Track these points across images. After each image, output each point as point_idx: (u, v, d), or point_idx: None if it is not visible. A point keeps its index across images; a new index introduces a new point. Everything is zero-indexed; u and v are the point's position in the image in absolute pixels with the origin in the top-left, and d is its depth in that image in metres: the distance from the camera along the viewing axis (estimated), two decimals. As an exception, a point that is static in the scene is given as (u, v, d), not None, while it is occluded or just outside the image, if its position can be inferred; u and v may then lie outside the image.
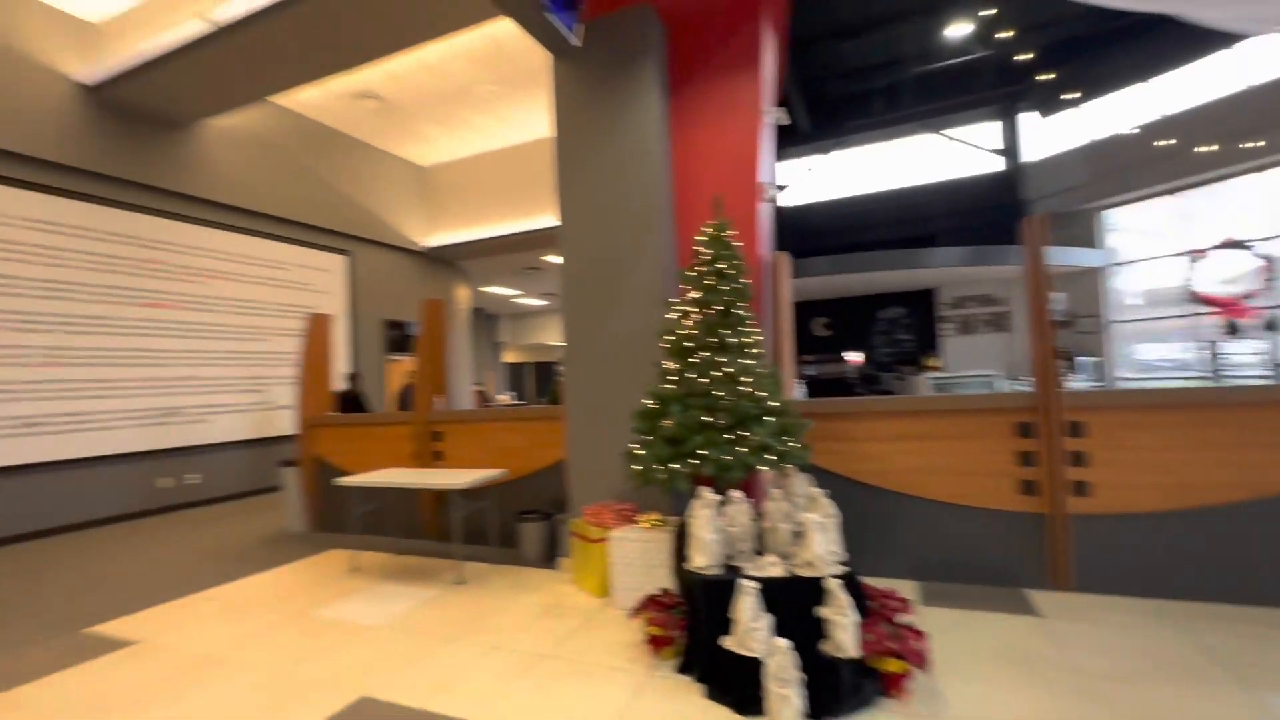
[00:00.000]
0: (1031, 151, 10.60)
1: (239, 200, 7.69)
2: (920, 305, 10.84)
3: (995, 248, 8.71)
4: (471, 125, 9.15)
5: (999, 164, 10.99)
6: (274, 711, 2.46)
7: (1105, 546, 3.26)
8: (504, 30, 6.57)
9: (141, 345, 6.78)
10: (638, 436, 3.28)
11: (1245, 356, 7.80)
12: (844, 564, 2.61)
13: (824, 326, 11.54)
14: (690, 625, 2.68)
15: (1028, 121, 10.70)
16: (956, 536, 3.54)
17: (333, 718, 2.39)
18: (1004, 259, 8.62)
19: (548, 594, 3.65)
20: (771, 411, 3.14)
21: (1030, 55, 9.43)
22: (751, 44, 4.03)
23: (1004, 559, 3.44)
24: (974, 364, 9.72)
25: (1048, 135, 10.36)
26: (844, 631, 2.31)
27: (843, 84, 10.75)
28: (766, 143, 4.22)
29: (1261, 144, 7.34)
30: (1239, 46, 7.68)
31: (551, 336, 18.96)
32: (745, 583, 2.42)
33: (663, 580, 3.19)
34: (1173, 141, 8.27)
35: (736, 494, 2.89)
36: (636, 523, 3.53)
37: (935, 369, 9.87)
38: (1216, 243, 8.00)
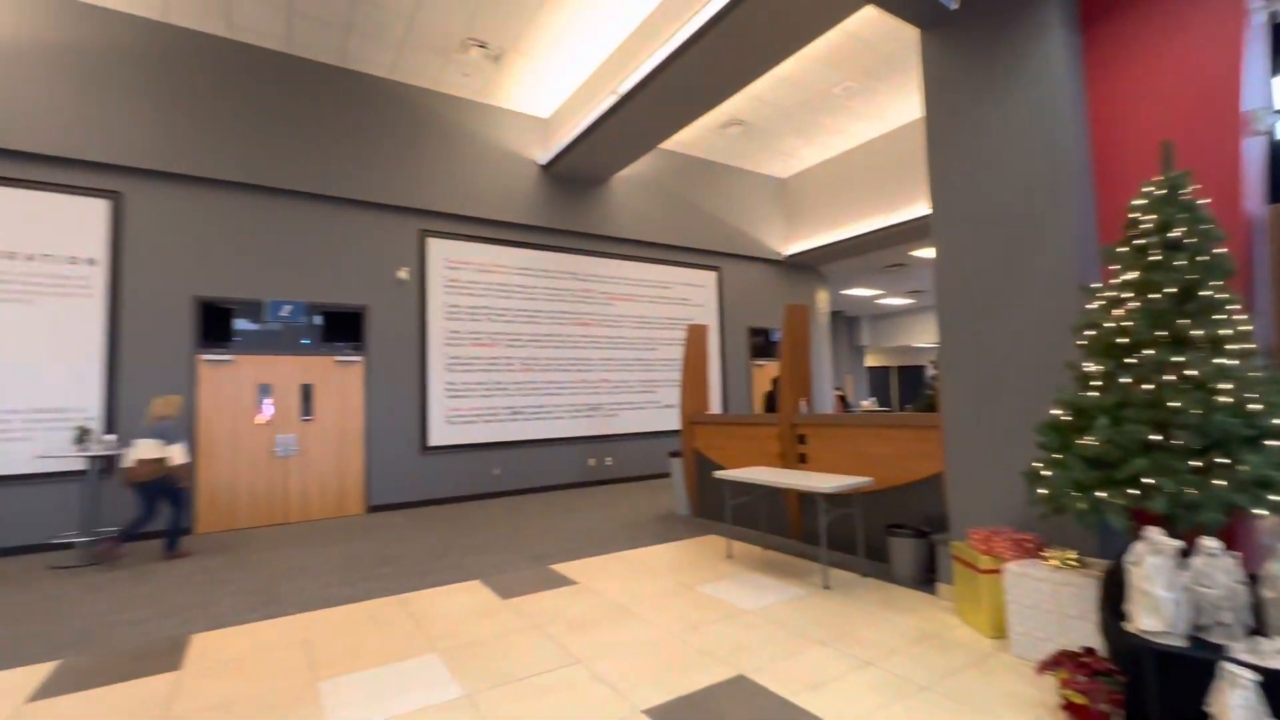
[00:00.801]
0: None
1: (634, 233, 9.34)
2: None
3: None
4: (829, 128, 9.09)
5: None
6: (673, 668, 2.86)
7: None
8: (859, 20, 6.33)
9: (576, 355, 8.85)
10: (1045, 454, 2.71)
11: None
12: None
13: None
14: (1131, 703, 2.07)
15: None
16: None
17: (714, 686, 2.65)
18: None
19: (924, 619, 3.32)
20: (1276, 432, 2.19)
21: None
22: (1222, -77, 2.92)
23: None
24: None
25: None
26: None
27: None
28: (1254, 53, 2.99)
29: None
30: None
31: (917, 337, 17.32)
32: (1235, 669, 1.74)
33: (1085, 636, 2.55)
34: None
35: (1211, 543, 2.12)
36: (1043, 558, 2.91)
37: None
38: None
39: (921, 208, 8.57)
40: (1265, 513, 2.15)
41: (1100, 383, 2.56)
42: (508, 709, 2.51)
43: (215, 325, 6.45)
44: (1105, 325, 2.57)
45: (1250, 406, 2.22)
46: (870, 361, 19.38)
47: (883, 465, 4.40)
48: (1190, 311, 2.39)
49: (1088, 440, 2.49)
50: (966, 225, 3.65)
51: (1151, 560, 2.09)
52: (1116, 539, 2.82)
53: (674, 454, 6.62)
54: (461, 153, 7.88)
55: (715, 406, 10.06)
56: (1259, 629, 2.06)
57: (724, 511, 5.85)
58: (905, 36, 6.69)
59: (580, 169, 8.49)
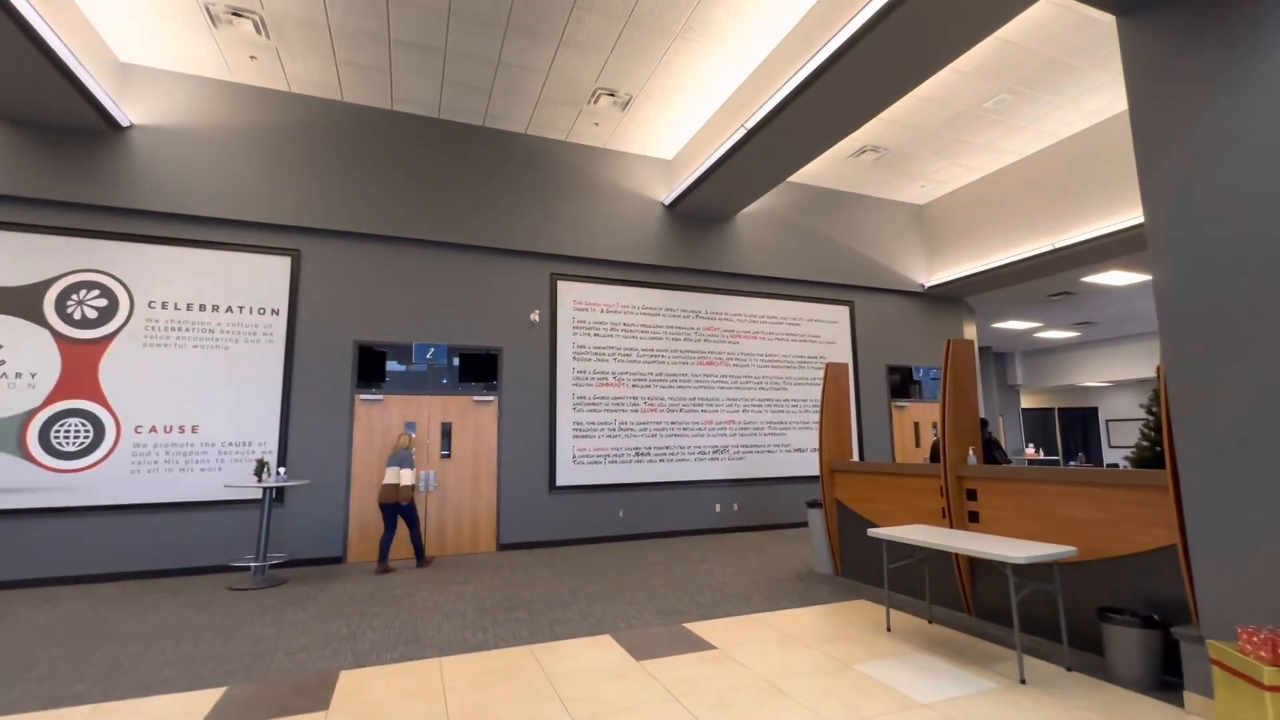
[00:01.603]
0: None
1: (760, 269, 9.01)
2: None
3: None
4: (976, 146, 8.29)
5: None
6: (840, 769, 2.41)
7: None
8: (1012, 26, 5.73)
9: (701, 396, 8.57)
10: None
11: None
12: None
13: None
14: None
15: None
16: None
17: (903, 805, 2.17)
18: None
19: (1174, 741, 2.57)
20: None
21: None
22: None
23: None
24: None
25: None
26: None
27: None
28: None
29: None
30: None
31: (1084, 375, 15.15)
32: None
33: None
34: None
35: None
36: (1369, 679, 2.13)
37: None
38: None
39: (1098, 226, 7.47)
40: None
41: None
42: (654, 803, 2.20)
43: (371, 367, 7.00)
44: None
45: None
46: (1026, 403, 17.24)
47: (1085, 531, 3.63)
48: None
49: None
50: (1205, 231, 2.97)
51: None
52: None
53: (812, 504, 6.06)
54: (590, 197, 8.10)
55: (853, 452, 9.26)
56: None
57: (874, 574, 5.20)
58: (1071, 38, 5.94)
59: (704, 207, 8.39)
